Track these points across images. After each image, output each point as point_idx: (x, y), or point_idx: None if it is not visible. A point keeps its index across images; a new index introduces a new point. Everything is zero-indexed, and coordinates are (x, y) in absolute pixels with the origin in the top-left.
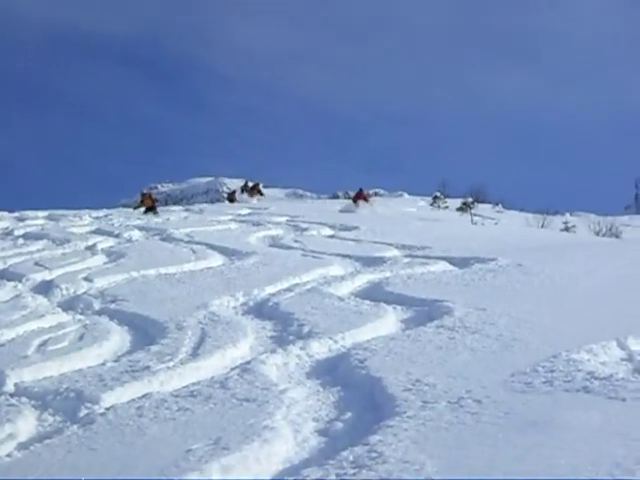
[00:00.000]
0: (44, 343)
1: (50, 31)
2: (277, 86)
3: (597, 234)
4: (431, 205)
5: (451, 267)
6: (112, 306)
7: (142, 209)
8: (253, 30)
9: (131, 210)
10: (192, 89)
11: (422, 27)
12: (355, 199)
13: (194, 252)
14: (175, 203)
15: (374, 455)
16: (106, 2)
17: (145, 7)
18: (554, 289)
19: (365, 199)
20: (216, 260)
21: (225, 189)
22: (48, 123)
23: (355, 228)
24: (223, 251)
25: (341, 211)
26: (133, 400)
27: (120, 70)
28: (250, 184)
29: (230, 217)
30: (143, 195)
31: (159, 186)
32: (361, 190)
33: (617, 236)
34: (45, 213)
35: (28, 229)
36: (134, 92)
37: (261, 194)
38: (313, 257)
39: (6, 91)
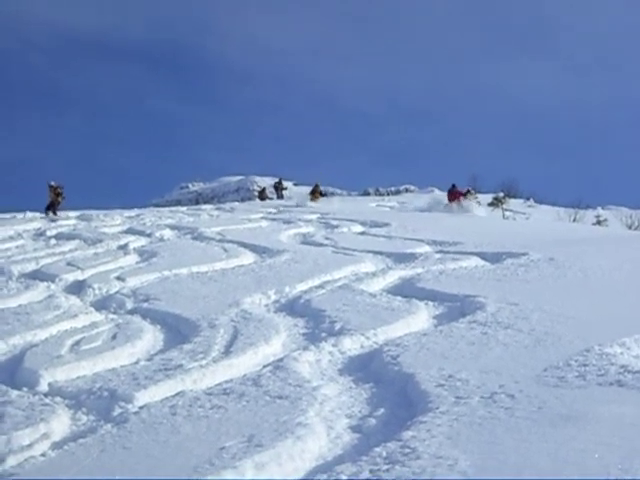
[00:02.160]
0: (77, 343)
1: (66, 33)
2: (294, 81)
3: (629, 227)
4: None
5: (483, 262)
6: (144, 305)
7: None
8: (269, 24)
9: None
10: (211, 86)
11: (441, 20)
12: (451, 198)
13: (225, 250)
14: (206, 202)
15: (407, 451)
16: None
17: (160, 4)
18: (586, 283)
19: (462, 196)
20: (247, 258)
21: (256, 187)
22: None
23: (386, 225)
24: (254, 249)
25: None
26: (166, 398)
27: (138, 69)
28: (284, 183)
29: (261, 215)
30: (50, 188)
31: (190, 185)
32: (454, 186)
33: None
34: (77, 213)
35: (60, 229)
36: (154, 91)
37: (322, 195)
38: (344, 254)
39: (24, 93)
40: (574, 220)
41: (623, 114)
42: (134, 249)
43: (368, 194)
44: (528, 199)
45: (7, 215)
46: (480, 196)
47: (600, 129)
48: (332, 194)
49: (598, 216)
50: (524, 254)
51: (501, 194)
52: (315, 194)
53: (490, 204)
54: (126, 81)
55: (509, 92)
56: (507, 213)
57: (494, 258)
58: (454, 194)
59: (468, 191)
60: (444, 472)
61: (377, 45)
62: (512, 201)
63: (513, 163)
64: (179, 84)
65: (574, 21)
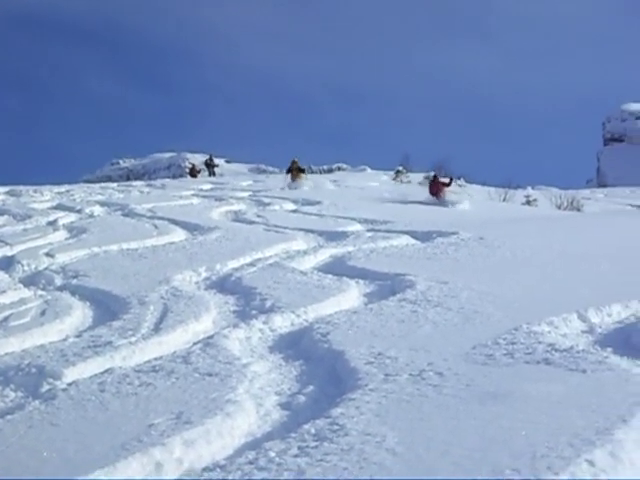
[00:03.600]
0: (6, 319)
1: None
2: (230, 62)
3: (559, 208)
4: (394, 179)
5: (413, 241)
6: (74, 282)
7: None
8: (212, 6)
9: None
10: (147, 65)
11: (376, 3)
12: (433, 190)
13: (156, 227)
14: (137, 178)
15: (336, 428)
16: None
17: None
18: (515, 262)
19: (445, 186)
20: (178, 235)
21: (187, 164)
22: (3, 102)
23: (318, 203)
24: (185, 226)
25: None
26: (95, 375)
27: (74, 48)
28: (216, 160)
29: (192, 192)
30: None
31: (121, 161)
32: (436, 177)
33: (578, 209)
34: (6, 189)
35: None
36: (89, 70)
37: (302, 171)
38: (276, 232)
39: None
40: (504, 200)
41: (553, 98)
42: (63, 225)
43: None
44: (459, 178)
45: None
46: (411, 175)
47: (531, 112)
48: (264, 172)
49: (528, 196)
50: (454, 233)
51: (432, 173)
52: (295, 172)
53: (421, 183)
54: (61, 59)
55: (441, 74)
56: None
57: (424, 237)
58: (436, 185)
59: (451, 180)
60: (372, 449)
61: (313, 27)
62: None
63: (445, 144)
64: (115, 63)
65: (508, 5)
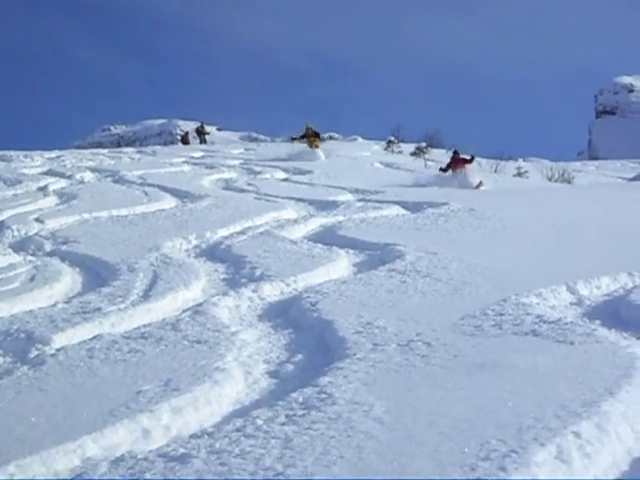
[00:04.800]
0: None
1: None
2: (218, 32)
3: (549, 180)
4: (385, 150)
5: (404, 211)
6: (63, 247)
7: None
8: None
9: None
10: (134, 34)
11: None
12: (455, 166)
13: (146, 194)
14: (128, 145)
15: (323, 397)
16: None
17: None
18: (505, 234)
19: (467, 164)
20: (169, 202)
21: (178, 131)
22: None
23: (309, 172)
24: (176, 193)
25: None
26: (84, 341)
27: (61, 17)
28: (207, 128)
29: (183, 159)
30: None
31: (112, 127)
32: (456, 152)
33: (569, 182)
34: None
35: None
36: (77, 39)
37: (317, 136)
38: (266, 200)
39: None
40: (495, 171)
41: (546, 71)
42: (54, 191)
43: (293, 140)
44: (451, 149)
45: None
46: (403, 146)
47: (524, 85)
48: (256, 139)
49: (519, 167)
50: (444, 204)
51: (423, 144)
52: (311, 138)
53: (412, 154)
54: (51, 29)
55: (433, 46)
56: (429, 163)
57: (415, 207)
58: (457, 162)
59: (473, 158)
60: (359, 418)
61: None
62: (435, 151)
63: (437, 115)
64: (106, 33)
65: None
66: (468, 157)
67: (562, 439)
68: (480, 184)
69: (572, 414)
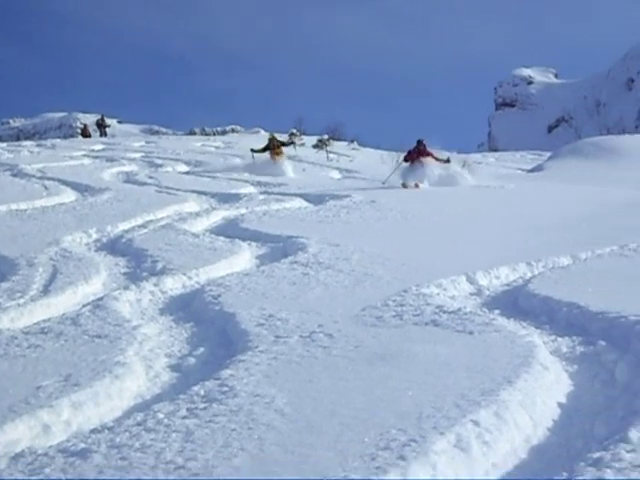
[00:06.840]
0: None
1: None
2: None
3: None
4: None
5: (306, 204)
6: None
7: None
8: None
9: None
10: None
11: None
12: (412, 156)
13: (46, 188)
14: (27, 138)
15: (225, 389)
16: None
17: None
18: (406, 225)
19: (430, 156)
20: (69, 196)
21: (79, 124)
22: None
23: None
24: (76, 187)
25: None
26: None
27: None
28: (107, 121)
29: (84, 152)
30: None
31: (11, 121)
32: (420, 142)
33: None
34: None
35: None
36: None
37: (293, 144)
38: (168, 193)
39: None
40: (396, 162)
41: (446, 64)
42: None
43: (194, 134)
44: (352, 142)
45: None
46: (305, 138)
47: (424, 77)
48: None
49: None
50: (346, 196)
51: (325, 136)
52: (276, 150)
53: (314, 146)
54: None
55: (332, 40)
56: (331, 155)
57: (317, 200)
58: (421, 153)
59: (448, 160)
60: (261, 410)
61: None
62: (336, 143)
63: (339, 108)
64: None
65: None
66: (444, 157)
67: (461, 428)
68: (417, 185)
69: (471, 403)
